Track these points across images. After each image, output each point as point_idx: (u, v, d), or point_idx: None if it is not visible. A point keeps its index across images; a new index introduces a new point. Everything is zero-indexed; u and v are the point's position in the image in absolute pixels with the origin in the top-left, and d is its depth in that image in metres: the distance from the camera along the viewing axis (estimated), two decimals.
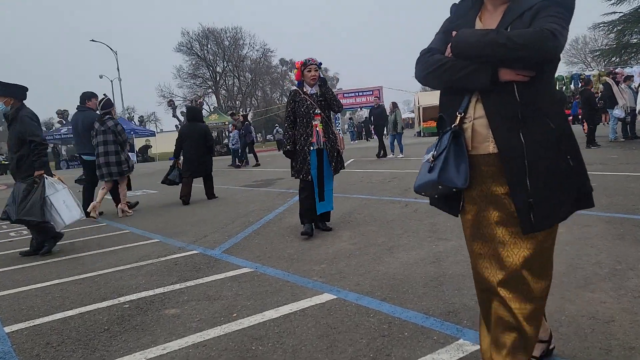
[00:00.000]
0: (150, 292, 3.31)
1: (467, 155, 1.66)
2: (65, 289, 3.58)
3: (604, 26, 26.96)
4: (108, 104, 7.26)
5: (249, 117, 46.62)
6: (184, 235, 5.32)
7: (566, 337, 2.20)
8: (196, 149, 8.26)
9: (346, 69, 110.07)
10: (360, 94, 38.66)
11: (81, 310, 3.06)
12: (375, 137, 37.94)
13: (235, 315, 2.77)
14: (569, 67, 50.16)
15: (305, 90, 4.68)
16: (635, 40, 25.85)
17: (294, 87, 4.84)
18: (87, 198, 7.35)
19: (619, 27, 26.02)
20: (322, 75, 4.76)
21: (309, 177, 4.57)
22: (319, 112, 4.62)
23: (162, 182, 8.62)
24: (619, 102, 12.44)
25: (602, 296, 2.61)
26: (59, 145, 38.65)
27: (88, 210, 6.80)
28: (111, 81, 41.50)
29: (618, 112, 12.53)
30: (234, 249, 4.43)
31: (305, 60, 4.66)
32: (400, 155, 14.52)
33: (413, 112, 43.24)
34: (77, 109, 7.57)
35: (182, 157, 8.53)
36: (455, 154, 1.66)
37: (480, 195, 1.71)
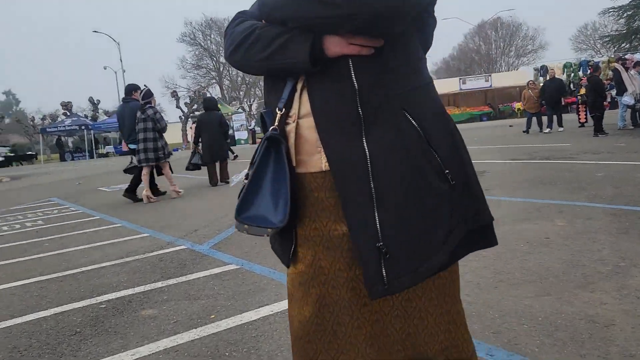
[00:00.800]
0: (130, 291, 3.18)
1: (292, 174, 1.07)
2: (45, 287, 3.46)
3: (614, 11, 26.44)
4: (148, 94, 7.64)
5: (254, 108, 46.40)
6: (175, 229, 5.19)
7: (562, 342, 2.04)
8: (214, 136, 8.91)
9: None
10: None
11: (56, 311, 2.93)
12: None
13: (213, 317, 2.63)
14: (577, 54, 49.45)
15: None
16: None
17: None
18: (135, 183, 7.91)
19: (629, 12, 25.52)
20: None
21: None
22: None
23: (187, 169, 9.23)
24: (629, 88, 12.14)
25: (602, 296, 2.44)
26: (64, 137, 38.77)
27: (142, 200, 7.59)
28: (115, 72, 41.50)
29: (627, 99, 12.23)
30: (223, 243, 4.29)
31: None
32: None
33: None
34: (122, 100, 8.15)
35: (200, 144, 9.17)
36: (273, 173, 1.07)
37: (316, 236, 1.09)
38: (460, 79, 34.48)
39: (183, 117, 38.49)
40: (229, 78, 53.86)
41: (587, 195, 4.91)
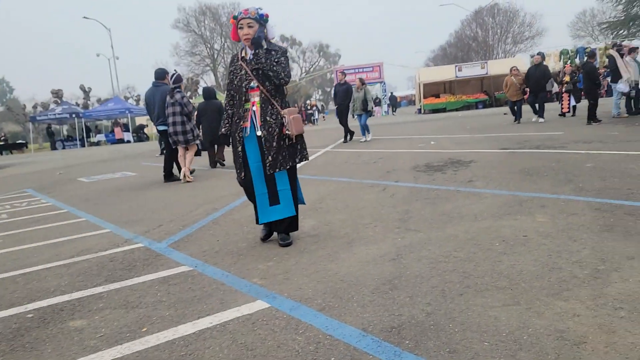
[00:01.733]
0: (66, 297, 2.90)
1: None
2: None
3: None
4: (178, 79, 8.02)
5: None
6: (139, 224, 4.91)
7: None
8: (212, 122, 9.49)
9: (350, 45, 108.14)
10: (361, 70, 37.86)
11: None
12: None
13: (145, 330, 2.36)
14: (575, 41, 48.89)
15: (244, 54, 3.51)
16: None
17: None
18: (168, 163, 8.41)
19: None
20: (267, 33, 3.48)
21: (243, 174, 3.54)
22: (256, 85, 3.44)
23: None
24: (623, 75, 11.83)
25: (576, 307, 2.18)
26: (55, 126, 38.24)
27: (181, 179, 8.08)
28: (108, 59, 40.90)
29: (622, 86, 11.93)
30: (183, 241, 4.02)
31: (238, 12, 3.45)
32: (367, 138, 13.03)
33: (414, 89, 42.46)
34: (153, 84, 8.36)
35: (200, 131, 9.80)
36: None
37: None
38: (456, 66, 34.02)
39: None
40: (223, 65, 53.19)
41: (574, 188, 4.64)
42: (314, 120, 35.57)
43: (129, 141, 33.30)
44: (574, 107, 14.85)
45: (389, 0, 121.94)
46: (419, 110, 33.10)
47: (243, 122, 3.49)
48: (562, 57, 30.56)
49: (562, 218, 3.65)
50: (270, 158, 3.42)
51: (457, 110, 30.20)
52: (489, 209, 4.13)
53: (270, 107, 3.46)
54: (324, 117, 41.55)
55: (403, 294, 2.50)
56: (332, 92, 14.15)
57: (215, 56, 51.57)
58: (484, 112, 25.87)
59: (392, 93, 43.76)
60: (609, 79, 14.06)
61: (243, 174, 3.53)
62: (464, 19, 55.04)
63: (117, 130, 34.71)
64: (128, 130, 34.18)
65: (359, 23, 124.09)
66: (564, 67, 16.28)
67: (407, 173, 6.64)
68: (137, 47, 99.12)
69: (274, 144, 3.42)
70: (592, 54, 14.27)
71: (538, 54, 19.57)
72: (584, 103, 14.77)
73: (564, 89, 14.84)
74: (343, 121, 13.29)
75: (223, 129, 3.63)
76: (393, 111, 39.65)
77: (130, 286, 3.01)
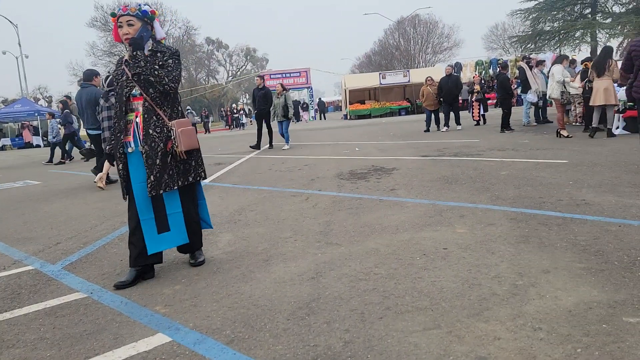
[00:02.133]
0: None
1: None
2: None
3: (521, 13, 27.99)
4: (112, 82, 7.24)
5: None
6: (33, 242, 4.37)
7: None
8: None
9: (277, 50, 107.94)
10: (288, 75, 37.81)
11: None
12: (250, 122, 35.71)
13: None
14: (489, 53, 52.05)
15: (128, 57, 3.04)
16: (548, 27, 27.09)
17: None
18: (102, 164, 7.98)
19: (534, 15, 27.12)
20: (155, 33, 3.08)
21: (126, 196, 3.10)
22: (139, 92, 3.00)
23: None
24: (532, 86, 12.57)
25: (497, 328, 2.10)
26: None
27: (95, 180, 7.71)
28: (16, 58, 37.78)
29: (531, 96, 12.66)
30: (81, 262, 3.59)
31: (118, 9, 3.01)
32: (286, 146, 12.56)
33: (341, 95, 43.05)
34: (80, 86, 7.97)
35: None
36: None
37: None
38: (380, 73, 34.86)
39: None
40: None
41: (490, 196, 4.72)
42: (241, 124, 34.94)
43: (38, 145, 30.84)
44: (483, 115, 15.56)
45: (316, 10, 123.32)
46: (345, 116, 33.54)
47: (125, 136, 3.02)
48: (477, 67, 32.28)
49: (480, 229, 3.65)
50: (152, 177, 2.93)
51: (381, 116, 30.93)
52: (410, 219, 4.07)
53: (154, 118, 3.00)
54: (251, 121, 40.96)
55: (320, 320, 2.32)
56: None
57: None
58: (406, 118, 26.68)
59: (320, 99, 44.10)
60: (519, 89, 14.90)
61: (127, 195, 3.09)
62: (387, 28, 56.73)
63: (26, 133, 32.07)
64: (38, 134, 31.65)
65: (288, 27, 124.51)
66: (473, 77, 17.06)
67: (330, 181, 6.52)
68: (50, 45, 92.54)
69: (157, 161, 2.95)
70: (504, 65, 15.06)
71: (455, 64, 20.51)
72: (493, 112, 15.56)
73: (474, 98, 15.58)
74: (264, 127, 12.73)
75: (107, 147, 3.16)
76: (322, 116, 39.92)
77: (8, 320, 2.59)
